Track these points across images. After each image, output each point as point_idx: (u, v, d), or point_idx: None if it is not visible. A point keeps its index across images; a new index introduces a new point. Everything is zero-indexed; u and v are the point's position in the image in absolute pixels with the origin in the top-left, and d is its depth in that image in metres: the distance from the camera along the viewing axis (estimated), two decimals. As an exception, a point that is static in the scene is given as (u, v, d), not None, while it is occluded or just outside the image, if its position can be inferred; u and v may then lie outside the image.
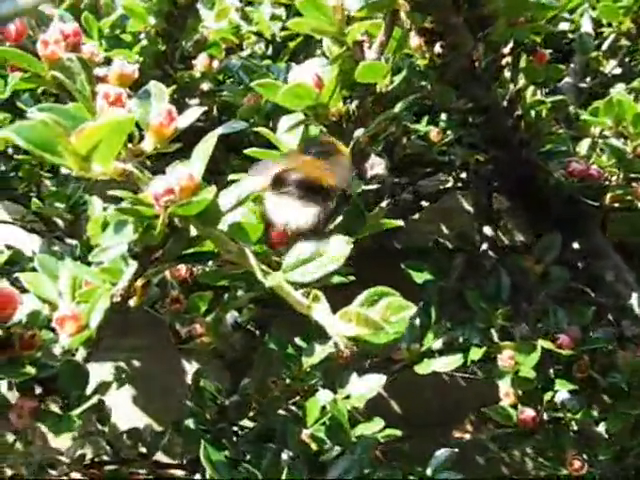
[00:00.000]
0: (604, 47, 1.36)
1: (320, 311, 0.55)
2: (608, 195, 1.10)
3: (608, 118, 1.08)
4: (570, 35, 1.40)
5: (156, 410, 1.48)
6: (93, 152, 0.49)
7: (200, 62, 1.24)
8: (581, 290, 1.12)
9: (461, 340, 1.14)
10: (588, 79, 1.33)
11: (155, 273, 0.67)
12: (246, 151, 0.88)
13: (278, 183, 0.66)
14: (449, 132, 1.21)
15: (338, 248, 0.60)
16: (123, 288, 0.64)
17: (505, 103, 1.03)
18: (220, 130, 1.00)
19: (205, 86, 1.27)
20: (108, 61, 1.13)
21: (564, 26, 1.37)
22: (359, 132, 0.86)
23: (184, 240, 0.61)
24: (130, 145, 0.66)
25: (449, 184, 1.33)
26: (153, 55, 1.12)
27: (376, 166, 0.84)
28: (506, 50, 0.98)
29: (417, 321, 1.16)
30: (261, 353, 0.96)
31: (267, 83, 0.82)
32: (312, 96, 0.79)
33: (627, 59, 1.36)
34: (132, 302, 0.71)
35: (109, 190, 0.62)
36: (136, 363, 1.56)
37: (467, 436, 1.78)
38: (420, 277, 1.17)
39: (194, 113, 0.67)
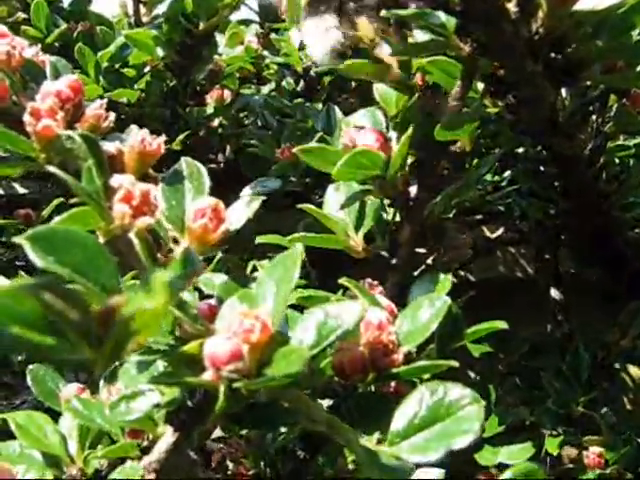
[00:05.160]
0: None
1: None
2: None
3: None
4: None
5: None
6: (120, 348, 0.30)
7: (212, 96, 1.06)
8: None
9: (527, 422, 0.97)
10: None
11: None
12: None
13: None
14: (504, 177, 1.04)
15: (467, 405, 0.43)
16: (158, 461, 0.45)
17: (587, 152, 0.86)
18: (248, 190, 0.83)
19: (216, 121, 1.09)
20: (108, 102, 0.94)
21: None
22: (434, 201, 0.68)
23: (244, 401, 0.43)
24: (159, 255, 0.48)
25: (497, 233, 1.16)
26: (160, 92, 0.94)
27: (457, 249, 0.66)
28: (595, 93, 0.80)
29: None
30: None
31: (315, 149, 0.63)
32: (379, 165, 0.61)
33: None
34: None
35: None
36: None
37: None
38: (477, 349, 1.00)
39: (249, 208, 0.48)
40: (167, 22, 0.87)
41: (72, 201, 0.50)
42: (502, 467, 0.96)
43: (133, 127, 0.50)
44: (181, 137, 0.88)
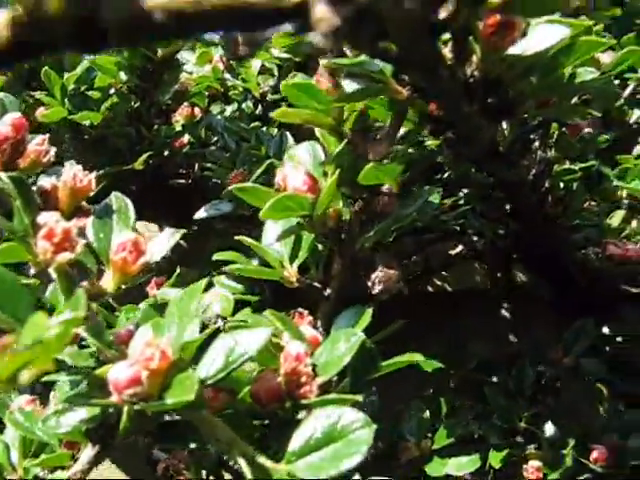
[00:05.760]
0: (626, 94, 1.23)
1: None
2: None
3: (640, 182, 0.95)
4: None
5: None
6: (18, 373, 0.34)
7: (180, 113, 1.10)
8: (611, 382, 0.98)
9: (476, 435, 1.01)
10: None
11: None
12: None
13: None
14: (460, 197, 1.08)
15: (358, 429, 0.46)
16: (82, 471, 0.49)
17: (531, 177, 0.90)
18: (202, 212, 0.87)
19: (185, 138, 1.13)
20: (71, 124, 0.98)
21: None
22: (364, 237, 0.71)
23: (154, 421, 0.47)
24: (85, 283, 0.52)
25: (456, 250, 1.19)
26: (125, 113, 0.97)
27: (386, 282, 0.69)
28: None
29: (427, 412, 1.03)
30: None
31: (249, 188, 0.67)
32: (305, 207, 0.65)
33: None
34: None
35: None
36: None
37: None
38: (429, 365, 1.04)
39: (170, 239, 0.52)
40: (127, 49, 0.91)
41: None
42: (450, 479, 1.00)
43: (67, 164, 0.54)
44: (144, 157, 0.92)
